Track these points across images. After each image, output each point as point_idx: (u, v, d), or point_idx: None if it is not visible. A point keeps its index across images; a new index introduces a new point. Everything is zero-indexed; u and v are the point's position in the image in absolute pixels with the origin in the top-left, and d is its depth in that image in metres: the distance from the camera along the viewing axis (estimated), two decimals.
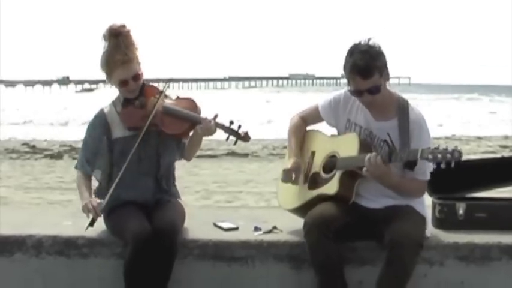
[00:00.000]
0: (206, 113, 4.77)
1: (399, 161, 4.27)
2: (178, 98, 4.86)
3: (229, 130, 4.73)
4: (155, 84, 4.91)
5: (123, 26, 4.67)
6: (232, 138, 4.75)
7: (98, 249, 4.69)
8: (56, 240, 4.73)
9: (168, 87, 4.79)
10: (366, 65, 4.31)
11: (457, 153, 4.00)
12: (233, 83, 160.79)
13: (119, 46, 4.62)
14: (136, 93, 4.73)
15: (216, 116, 4.70)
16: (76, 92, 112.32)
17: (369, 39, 4.39)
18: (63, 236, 4.75)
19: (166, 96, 4.81)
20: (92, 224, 4.55)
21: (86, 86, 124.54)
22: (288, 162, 4.71)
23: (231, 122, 4.73)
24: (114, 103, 4.85)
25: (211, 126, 4.65)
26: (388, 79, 4.45)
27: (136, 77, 4.70)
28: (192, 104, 4.80)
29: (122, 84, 4.70)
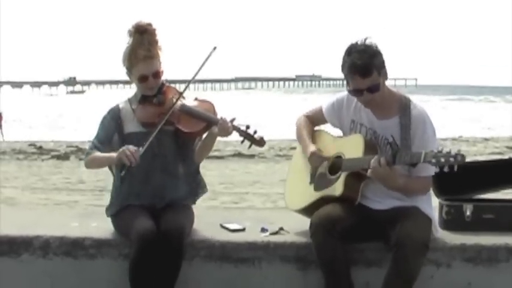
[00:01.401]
0: (223, 115, 4.78)
1: (403, 163, 4.27)
2: (196, 98, 4.89)
3: (245, 134, 4.74)
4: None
5: (150, 24, 4.72)
6: (247, 142, 4.77)
7: (105, 250, 4.69)
8: (63, 241, 4.73)
9: (188, 86, 4.83)
10: (364, 63, 4.33)
11: (460, 157, 4.00)
12: (239, 84, 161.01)
13: (142, 42, 4.65)
14: (154, 91, 4.75)
15: (233, 119, 4.73)
16: (66, 93, 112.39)
17: (365, 39, 4.41)
18: (70, 236, 4.75)
19: (184, 98, 4.83)
20: (128, 169, 4.50)
21: (78, 87, 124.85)
22: (308, 150, 4.72)
23: (248, 127, 4.74)
24: (130, 100, 4.87)
25: (229, 127, 4.68)
26: (386, 78, 4.46)
27: (157, 74, 4.72)
28: (210, 106, 4.82)
29: (142, 79, 4.71)
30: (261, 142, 4.76)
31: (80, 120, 37.04)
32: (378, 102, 4.46)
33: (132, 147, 4.51)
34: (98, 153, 4.72)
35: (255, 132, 4.75)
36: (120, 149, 4.53)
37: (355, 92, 4.45)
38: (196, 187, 4.91)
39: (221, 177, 14.78)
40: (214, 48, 4.77)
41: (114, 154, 4.58)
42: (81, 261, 4.71)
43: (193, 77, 4.84)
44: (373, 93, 4.41)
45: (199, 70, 4.80)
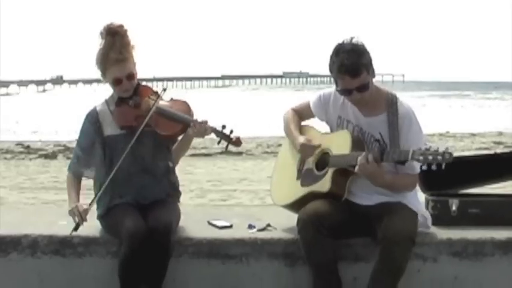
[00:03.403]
0: (199, 114, 4.79)
1: (390, 160, 4.30)
2: (172, 99, 4.88)
3: (221, 134, 4.74)
4: (150, 84, 4.93)
5: (121, 26, 4.70)
6: (223, 142, 4.77)
7: (93, 248, 4.70)
8: (51, 239, 4.74)
9: (165, 90, 4.82)
10: (353, 63, 4.34)
11: (448, 155, 4.03)
12: (227, 82, 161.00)
13: (114, 45, 4.64)
14: (130, 93, 4.75)
15: (207, 121, 4.72)
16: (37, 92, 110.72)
17: (351, 38, 4.42)
18: (58, 235, 4.76)
19: (160, 98, 4.82)
20: (76, 228, 4.56)
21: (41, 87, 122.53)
22: (298, 142, 4.73)
23: (223, 126, 4.74)
24: (107, 101, 4.86)
25: (205, 128, 4.68)
26: (374, 76, 4.48)
27: (130, 76, 4.71)
28: (185, 106, 4.82)
29: (116, 82, 4.71)
30: (237, 142, 4.75)
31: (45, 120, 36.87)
32: (366, 101, 4.49)
33: (81, 206, 4.58)
34: (69, 186, 4.82)
35: (231, 132, 4.75)
36: (72, 206, 4.61)
37: (344, 91, 4.46)
38: (174, 185, 4.93)
39: (209, 175, 14.77)
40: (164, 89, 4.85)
41: (72, 200, 4.69)
42: (69, 260, 4.72)
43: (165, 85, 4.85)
44: (362, 93, 4.43)
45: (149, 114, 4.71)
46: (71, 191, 4.78)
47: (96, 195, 4.68)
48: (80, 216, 4.53)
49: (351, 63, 4.34)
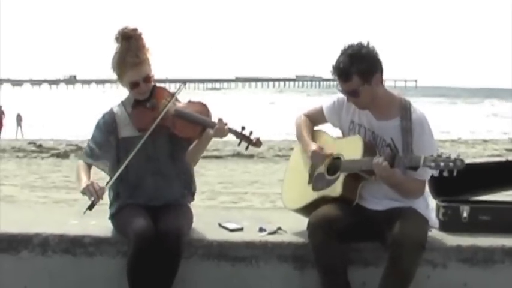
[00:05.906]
0: (217, 116, 4.77)
1: (402, 166, 4.30)
2: (190, 101, 4.88)
3: (241, 136, 4.72)
4: (163, 85, 4.94)
5: (135, 30, 4.71)
6: (244, 143, 4.76)
7: (104, 248, 4.72)
8: (62, 238, 4.76)
9: (181, 89, 4.84)
10: (344, 69, 4.38)
11: (460, 162, 4.02)
12: (240, 84, 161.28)
13: (130, 48, 4.65)
14: (147, 95, 4.76)
15: (226, 123, 4.71)
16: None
17: (361, 42, 4.42)
18: (69, 234, 4.78)
19: (177, 100, 4.83)
20: (91, 207, 4.49)
21: None
22: (309, 148, 4.73)
23: (243, 128, 4.73)
24: (123, 103, 4.87)
25: (225, 130, 4.67)
26: (379, 83, 4.46)
27: (147, 79, 4.72)
28: (203, 108, 4.81)
29: (133, 86, 4.72)
30: (257, 143, 4.74)
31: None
32: (364, 105, 4.51)
33: (96, 184, 4.51)
34: (80, 169, 4.73)
35: (251, 133, 4.73)
36: (86, 184, 4.52)
37: (341, 91, 4.53)
38: (190, 187, 4.94)
39: (220, 177, 14.81)
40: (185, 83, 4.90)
41: (83, 181, 4.58)
42: (80, 259, 4.73)
43: (180, 88, 4.86)
44: (353, 98, 4.45)
45: (166, 107, 4.75)
46: (81, 173, 4.68)
47: (111, 178, 4.61)
48: (96, 194, 4.46)
49: (342, 67, 4.38)
